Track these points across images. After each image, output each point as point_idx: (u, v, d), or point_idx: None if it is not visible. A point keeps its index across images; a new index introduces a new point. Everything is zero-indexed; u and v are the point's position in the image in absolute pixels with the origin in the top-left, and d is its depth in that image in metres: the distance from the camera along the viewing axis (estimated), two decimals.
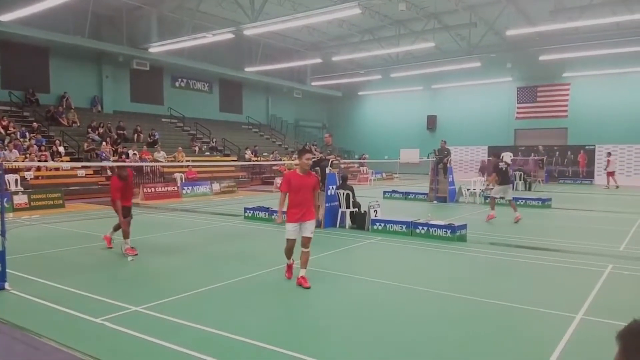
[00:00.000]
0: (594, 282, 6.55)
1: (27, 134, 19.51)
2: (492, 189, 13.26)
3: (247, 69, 29.85)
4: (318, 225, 11.34)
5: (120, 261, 7.95)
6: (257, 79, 31.91)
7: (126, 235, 8.43)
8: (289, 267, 6.68)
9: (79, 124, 22.47)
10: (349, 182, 12.17)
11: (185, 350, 4.21)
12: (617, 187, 23.90)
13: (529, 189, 22.45)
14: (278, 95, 36.39)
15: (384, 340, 4.62)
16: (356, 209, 11.48)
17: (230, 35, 21.55)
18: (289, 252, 6.56)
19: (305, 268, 6.34)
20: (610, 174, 24.50)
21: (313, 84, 36.55)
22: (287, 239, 6.40)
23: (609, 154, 25.20)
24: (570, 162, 29.50)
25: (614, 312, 5.23)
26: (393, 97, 37.46)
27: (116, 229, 8.75)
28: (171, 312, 5.22)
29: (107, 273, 7.15)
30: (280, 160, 27.51)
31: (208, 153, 26.49)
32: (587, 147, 28.79)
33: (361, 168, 31.29)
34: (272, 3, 20.94)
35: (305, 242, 6.31)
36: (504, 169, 12.72)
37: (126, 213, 8.54)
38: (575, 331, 4.76)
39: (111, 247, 8.78)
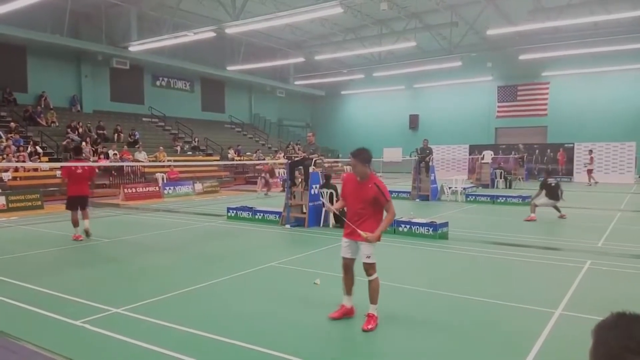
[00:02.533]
0: (572, 278, 6.67)
1: (1, 134, 19.11)
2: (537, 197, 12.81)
3: (229, 68, 29.68)
4: (302, 224, 11.39)
5: (99, 262, 7.84)
6: (240, 77, 31.74)
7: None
8: (342, 310, 5.02)
9: (57, 124, 22.10)
10: (332, 181, 12.18)
11: (168, 352, 4.17)
12: (594, 184, 24.34)
13: (510, 187, 22.74)
14: (261, 94, 36.25)
15: (364, 337, 4.64)
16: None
17: (212, 34, 21.41)
18: (346, 279, 5.02)
19: (374, 303, 4.84)
20: (590, 171, 24.97)
21: (296, 83, 36.50)
22: (342, 257, 5.09)
23: (591, 151, 25.63)
24: (549, 160, 29.94)
25: (592, 307, 5.33)
26: (375, 97, 37.63)
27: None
28: (153, 313, 5.16)
29: (86, 275, 7.04)
30: (264, 159, 27.41)
31: (190, 153, 26.27)
32: (566, 145, 29.25)
33: (346, 167, 31.27)
34: (254, 1, 20.84)
35: (364, 268, 4.89)
36: (552, 184, 12.48)
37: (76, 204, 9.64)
38: (554, 326, 4.84)
39: (81, 239, 9.60)
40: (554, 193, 12.33)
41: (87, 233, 9.66)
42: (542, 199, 12.54)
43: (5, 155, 17.22)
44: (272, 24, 20.95)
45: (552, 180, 12.59)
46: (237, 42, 29.38)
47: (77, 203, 9.65)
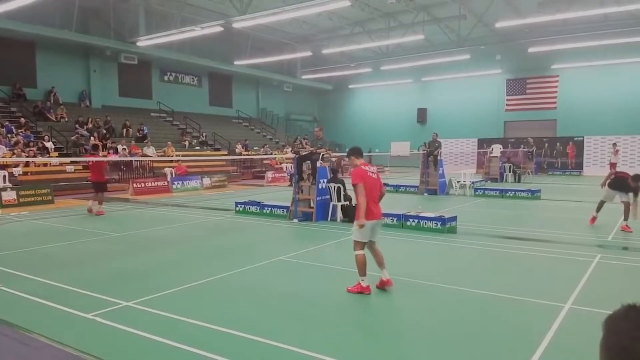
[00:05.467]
0: (582, 272, 6.63)
1: (13, 129, 19.28)
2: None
3: (236, 62, 29.67)
4: (309, 219, 11.42)
5: (110, 256, 7.91)
6: (247, 72, 31.72)
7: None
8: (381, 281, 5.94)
9: (67, 119, 22.24)
10: (339, 175, 12.19)
11: (178, 345, 4.21)
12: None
13: (519, 181, 22.62)
14: (268, 88, 36.23)
15: (372, 329, 4.66)
16: (347, 202, 11.51)
17: (219, 28, 21.38)
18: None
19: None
20: (613, 165, 24.44)
21: (303, 77, 36.41)
22: None
23: (615, 144, 25.15)
24: (559, 154, 29.74)
25: (602, 301, 5.31)
26: (383, 90, 37.47)
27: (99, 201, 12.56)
28: (163, 306, 5.21)
29: (97, 268, 7.10)
30: (271, 154, 27.45)
31: (198, 147, 26.35)
32: (575, 138, 29.04)
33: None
34: None
35: None
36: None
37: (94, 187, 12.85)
38: (563, 320, 4.82)
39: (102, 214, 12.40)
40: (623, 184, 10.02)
41: (89, 210, 12.52)
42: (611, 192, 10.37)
43: (15, 151, 17.36)
44: (280, 18, 20.85)
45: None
46: (244, 37, 29.35)
47: (94, 187, 12.91)
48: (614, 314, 1.27)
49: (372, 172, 5.94)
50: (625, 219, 10.02)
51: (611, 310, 1.31)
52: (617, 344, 1.21)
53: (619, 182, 10.29)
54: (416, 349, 4.30)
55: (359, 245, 5.77)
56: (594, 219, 10.61)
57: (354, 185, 5.75)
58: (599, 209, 10.63)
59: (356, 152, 6.23)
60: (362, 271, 5.72)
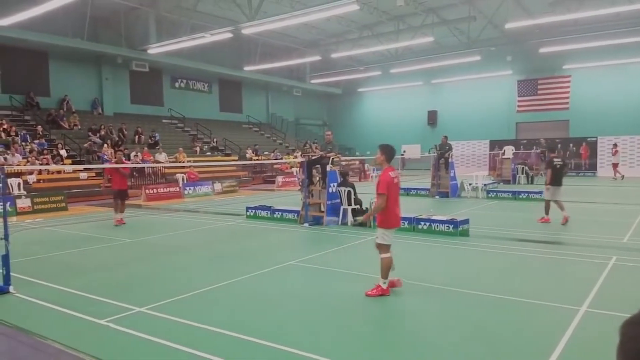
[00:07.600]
0: (598, 274, 6.54)
1: (28, 137, 19.54)
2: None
3: (246, 68, 29.81)
4: (320, 223, 11.40)
5: (122, 262, 7.96)
6: (257, 77, 31.85)
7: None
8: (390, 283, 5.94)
9: (80, 127, 22.48)
10: (350, 179, 12.17)
11: (191, 351, 4.21)
12: (620, 178, 23.79)
13: (531, 182, 22.40)
14: (278, 93, 36.35)
15: (385, 334, 4.62)
16: (358, 206, 11.48)
17: (229, 35, 21.51)
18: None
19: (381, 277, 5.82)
20: (615, 165, 24.32)
21: (312, 81, 36.49)
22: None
23: (615, 145, 24.99)
24: (572, 155, 29.41)
25: (618, 304, 5.22)
26: (393, 93, 37.38)
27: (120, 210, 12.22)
28: (176, 312, 5.22)
29: (110, 275, 7.15)
30: (282, 158, 27.50)
31: (209, 153, 26.48)
32: (589, 139, 28.71)
33: (366, 165, 31.05)
34: (269, 1, 20.90)
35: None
36: (558, 166, 10.86)
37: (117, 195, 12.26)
38: (579, 323, 4.75)
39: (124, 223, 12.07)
40: (558, 176, 10.80)
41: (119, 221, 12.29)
42: (550, 189, 10.89)
43: (29, 159, 17.58)
44: (288, 24, 20.92)
45: (558, 161, 10.90)
46: (253, 43, 29.52)
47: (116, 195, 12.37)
48: (631, 318, 1.24)
49: (396, 178, 5.93)
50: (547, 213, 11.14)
51: (628, 314, 1.28)
52: (635, 348, 1.18)
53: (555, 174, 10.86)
54: (431, 353, 4.26)
55: (385, 248, 5.81)
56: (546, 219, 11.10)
57: (379, 194, 5.74)
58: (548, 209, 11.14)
59: (389, 152, 5.96)
60: (386, 274, 5.76)
